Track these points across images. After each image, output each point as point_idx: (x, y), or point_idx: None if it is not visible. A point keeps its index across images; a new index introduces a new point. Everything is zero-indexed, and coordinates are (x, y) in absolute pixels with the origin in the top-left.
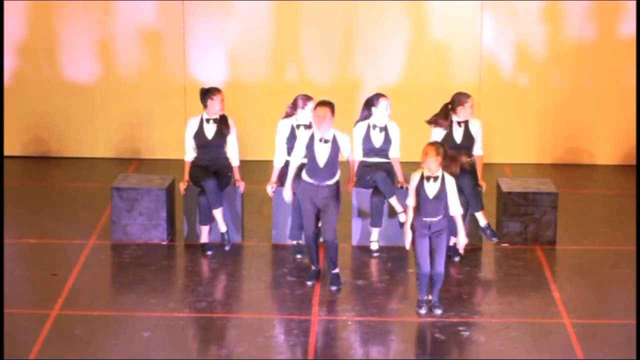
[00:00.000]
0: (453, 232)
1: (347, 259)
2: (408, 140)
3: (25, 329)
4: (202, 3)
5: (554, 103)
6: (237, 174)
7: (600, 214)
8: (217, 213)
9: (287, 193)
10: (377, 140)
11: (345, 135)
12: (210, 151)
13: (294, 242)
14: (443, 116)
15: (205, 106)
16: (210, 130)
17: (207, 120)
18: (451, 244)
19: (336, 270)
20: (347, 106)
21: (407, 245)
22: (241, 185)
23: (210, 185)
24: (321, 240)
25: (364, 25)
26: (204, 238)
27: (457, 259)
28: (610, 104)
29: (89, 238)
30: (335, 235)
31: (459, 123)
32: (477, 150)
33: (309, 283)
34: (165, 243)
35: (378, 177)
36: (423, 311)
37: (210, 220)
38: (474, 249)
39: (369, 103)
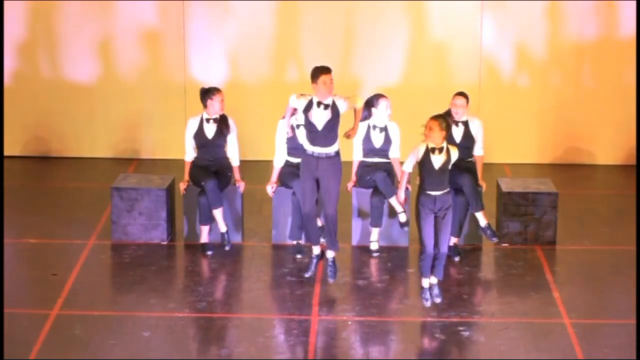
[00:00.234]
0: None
1: (347, 259)
2: (408, 141)
3: (25, 329)
4: (202, 3)
5: (554, 103)
6: (237, 174)
7: (600, 214)
8: (217, 213)
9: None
10: (377, 140)
11: (343, 97)
12: (210, 151)
13: (294, 242)
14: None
15: (205, 106)
16: (210, 130)
17: (207, 120)
18: (451, 244)
19: (333, 255)
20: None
21: (400, 199)
22: (241, 185)
23: (210, 185)
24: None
25: (364, 25)
26: (204, 238)
27: (457, 258)
28: (610, 104)
29: (89, 238)
30: (336, 209)
31: (456, 123)
32: (478, 150)
33: (307, 274)
34: (165, 243)
35: (378, 177)
36: (428, 303)
37: (210, 220)
38: (474, 249)
39: (369, 104)
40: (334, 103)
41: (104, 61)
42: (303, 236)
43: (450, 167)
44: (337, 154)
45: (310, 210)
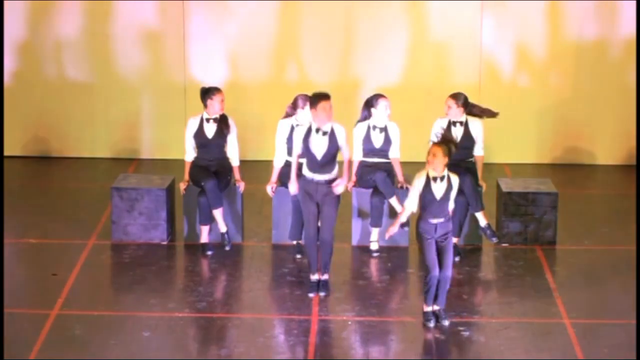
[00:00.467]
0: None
1: (347, 259)
2: (408, 141)
3: (25, 329)
4: (202, 3)
5: (554, 103)
6: (237, 174)
7: (600, 214)
8: (217, 213)
9: (293, 187)
10: (377, 140)
11: (342, 127)
12: (210, 151)
13: (294, 242)
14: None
15: (205, 106)
16: (210, 130)
17: (207, 120)
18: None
19: (326, 277)
20: (347, 106)
21: (391, 232)
22: (241, 185)
23: (210, 185)
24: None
25: (364, 25)
26: (204, 238)
27: (457, 258)
28: (610, 104)
29: (89, 238)
30: (332, 236)
31: (454, 123)
32: (478, 151)
33: (311, 295)
34: (165, 243)
35: (378, 177)
36: (432, 324)
37: (210, 220)
38: (474, 249)
39: (369, 104)
40: (332, 131)
41: (104, 61)
42: (303, 237)
43: (450, 196)
44: (337, 179)
45: (313, 234)
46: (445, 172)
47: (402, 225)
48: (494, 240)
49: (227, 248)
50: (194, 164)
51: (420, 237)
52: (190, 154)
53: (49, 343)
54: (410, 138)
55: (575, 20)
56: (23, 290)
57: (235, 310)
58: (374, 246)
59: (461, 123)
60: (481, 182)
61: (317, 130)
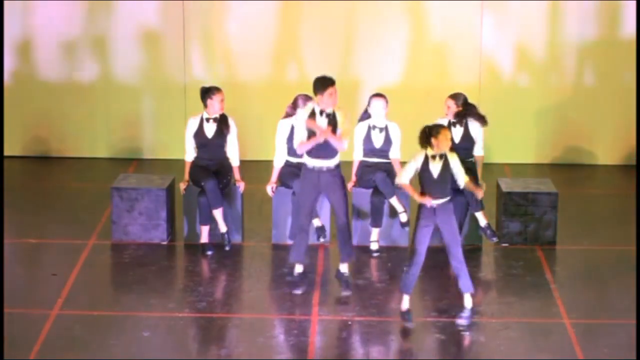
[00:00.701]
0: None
1: None
2: (408, 141)
3: (25, 329)
4: (202, 3)
5: (554, 103)
6: (237, 174)
7: (600, 214)
8: (217, 213)
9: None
10: (378, 140)
11: (341, 111)
12: (210, 150)
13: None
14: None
15: (205, 105)
16: (210, 130)
17: (207, 120)
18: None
19: (347, 267)
20: (347, 106)
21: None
22: (241, 185)
23: (210, 185)
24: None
25: (364, 25)
26: (204, 238)
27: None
28: (610, 104)
29: (89, 238)
30: (348, 219)
31: (454, 123)
32: (478, 151)
33: (298, 291)
34: (165, 243)
35: (378, 177)
36: (410, 324)
37: (210, 220)
38: (474, 249)
39: (368, 104)
40: (334, 113)
41: (104, 61)
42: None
43: (450, 174)
44: (338, 166)
45: (305, 223)
46: (444, 151)
47: (403, 225)
48: (494, 240)
49: (227, 248)
50: (194, 164)
51: (417, 220)
52: (190, 153)
53: (49, 343)
54: (411, 138)
55: (575, 21)
56: (23, 290)
57: (235, 310)
58: (374, 246)
59: (459, 123)
60: (481, 182)
61: (321, 112)
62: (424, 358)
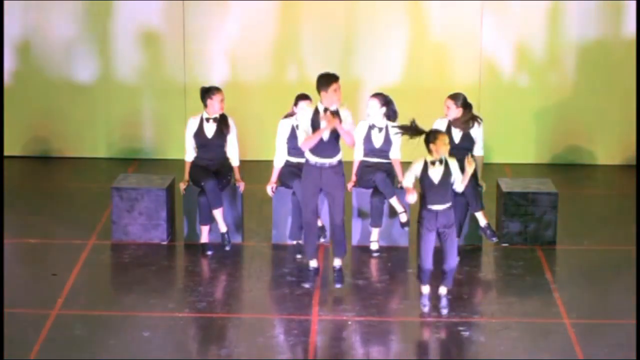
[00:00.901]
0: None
1: (347, 259)
2: (409, 141)
3: (25, 329)
4: (202, 3)
5: (554, 103)
6: (237, 174)
7: (600, 214)
8: (217, 213)
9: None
10: (377, 140)
11: (348, 112)
12: (210, 150)
13: (294, 242)
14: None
15: (205, 105)
16: (210, 130)
17: (207, 120)
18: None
19: (339, 264)
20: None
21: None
22: (241, 185)
23: (210, 185)
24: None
25: (364, 25)
26: (204, 238)
27: (457, 258)
28: (610, 104)
29: (89, 238)
30: (343, 219)
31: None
32: (478, 151)
33: (307, 285)
34: (165, 243)
35: (377, 177)
36: (426, 308)
37: (210, 220)
38: (474, 249)
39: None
40: (338, 111)
41: (104, 61)
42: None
43: (451, 180)
44: (340, 162)
45: (312, 219)
46: (443, 156)
47: (403, 226)
48: (494, 240)
49: (227, 248)
50: (194, 164)
51: (419, 226)
52: (190, 153)
53: (49, 343)
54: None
55: (575, 21)
56: (23, 290)
57: (235, 310)
58: (374, 246)
59: (468, 128)
60: (481, 182)
61: (325, 110)
62: (424, 358)
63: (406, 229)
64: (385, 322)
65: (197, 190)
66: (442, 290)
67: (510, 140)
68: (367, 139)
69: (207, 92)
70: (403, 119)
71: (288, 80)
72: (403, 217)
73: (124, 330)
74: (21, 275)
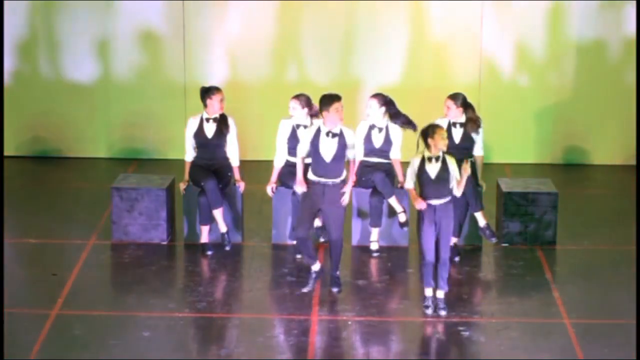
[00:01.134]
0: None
1: (347, 259)
2: (409, 141)
3: (25, 329)
4: (202, 3)
5: (554, 103)
6: (237, 174)
7: (600, 214)
8: (217, 213)
9: (300, 187)
10: (377, 140)
11: (351, 130)
12: (210, 150)
13: (294, 242)
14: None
15: (205, 105)
16: (210, 130)
17: (207, 120)
18: (451, 244)
19: (337, 273)
20: (347, 106)
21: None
22: (241, 185)
23: (210, 185)
24: (322, 240)
25: (364, 25)
26: (204, 238)
27: (457, 259)
28: (610, 104)
29: (89, 238)
30: (342, 235)
31: (454, 124)
32: (478, 151)
33: (305, 290)
34: (165, 243)
35: (377, 177)
36: (429, 311)
37: (210, 220)
38: (474, 249)
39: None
40: (341, 132)
41: (104, 61)
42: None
43: (449, 176)
44: (344, 182)
45: (304, 235)
46: (441, 153)
47: (402, 226)
48: (493, 240)
49: (227, 248)
50: (194, 163)
51: (419, 221)
52: (190, 153)
53: (49, 343)
54: (411, 138)
55: (575, 21)
56: (23, 290)
57: (235, 310)
58: (374, 246)
59: (461, 124)
60: (481, 182)
61: (328, 133)
62: (424, 358)
63: (405, 228)
64: (385, 322)
65: (197, 190)
66: (440, 293)
67: (510, 140)
68: (367, 139)
69: (206, 92)
70: None
71: (288, 80)
72: (402, 217)
73: (124, 330)
74: (21, 275)
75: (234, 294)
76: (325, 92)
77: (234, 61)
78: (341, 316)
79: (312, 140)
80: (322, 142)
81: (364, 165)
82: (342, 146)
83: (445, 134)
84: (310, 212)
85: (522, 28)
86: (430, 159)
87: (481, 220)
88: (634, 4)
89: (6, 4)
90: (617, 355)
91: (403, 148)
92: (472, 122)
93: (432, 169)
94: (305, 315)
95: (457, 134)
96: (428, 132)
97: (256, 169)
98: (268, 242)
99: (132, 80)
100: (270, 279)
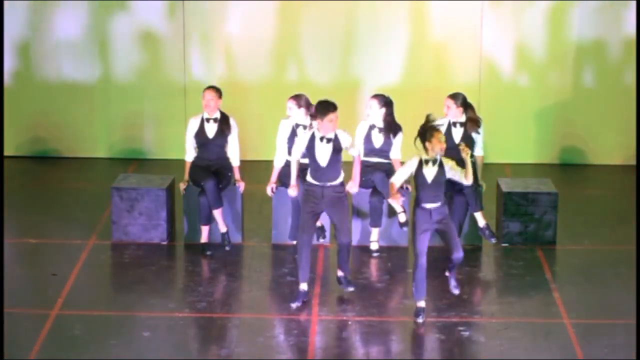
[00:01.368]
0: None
1: None
2: (409, 141)
3: (25, 329)
4: (202, 3)
5: (554, 103)
6: (237, 174)
7: (600, 214)
8: (217, 213)
9: (293, 191)
10: (377, 140)
11: (345, 132)
12: (211, 150)
13: (294, 242)
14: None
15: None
16: (211, 130)
17: (208, 120)
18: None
19: (343, 274)
20: (347, 106)
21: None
22: (241, 185)
23: (210, 185)
24: (322, 240)
25: (364, 25)
26: (204, 238)
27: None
28: (610, 104)
29: (89, 238)
30: (351, 239)
31: (454, 124)
32: (478, 151)
33: (294, 305)
34: (165, 243)
35: (376, 177)
36: (421, 319)
37: (210, 220)
38: (474, 249)
39: None
40: (336, 137)
41: (104, 61)
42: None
43: (444, 179)
44: (342, 184)
45: (307, 242)
46: (438, 156)
47: (402, 225)
48: (493, 241)
49: (227, 248)
50: (194, 164)
51: (414, 227)
52: (190, 153)
53: (49, 343)
54: (411, 138)
55: (575, 21)
56: (23, 290)
57: (235, 310)
58: (374, 246)
59: (461, 124)
60: (481, 182)
61: (322, 138)
62: (424, 358)
63: (405, 228)
64: (385, 322)
65: (197, 190)
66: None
67: (510, 140)
68: (367, 139)
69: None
70: (403, 119)
71: (288, 80)
72: (402, 217)
73: (124, 330)
74: (21, 275)
75: (234, 294)
76: (322, 100)
77: (234, 61)
78: (341, 316)
79: (307, 146)
80: (317, 148)
81: (364, 165)
82: (337, 149)
83: (443, 137)
84: (311, 215)
85: (522, 28)
86: (427, 162)
87: (481, 221)
88: (634, 4)
89: (6, 4)
90: (617, 355)
91: (403, 148)
92: (472, 122)
93: (429, 173)
94: (305, 315)
95: (457, 133)
96: (426, 136)
97: (256, 169)
98: (268, 242)
99: (132, 80)
100: (270, 279)
